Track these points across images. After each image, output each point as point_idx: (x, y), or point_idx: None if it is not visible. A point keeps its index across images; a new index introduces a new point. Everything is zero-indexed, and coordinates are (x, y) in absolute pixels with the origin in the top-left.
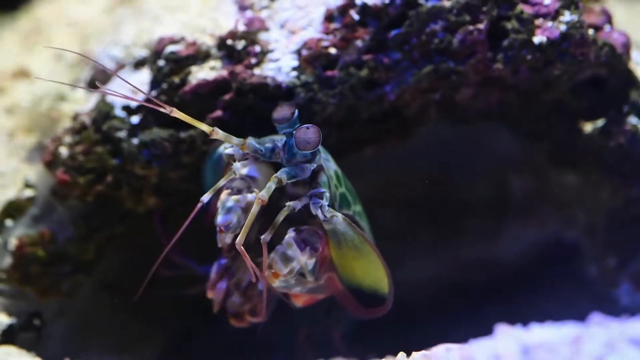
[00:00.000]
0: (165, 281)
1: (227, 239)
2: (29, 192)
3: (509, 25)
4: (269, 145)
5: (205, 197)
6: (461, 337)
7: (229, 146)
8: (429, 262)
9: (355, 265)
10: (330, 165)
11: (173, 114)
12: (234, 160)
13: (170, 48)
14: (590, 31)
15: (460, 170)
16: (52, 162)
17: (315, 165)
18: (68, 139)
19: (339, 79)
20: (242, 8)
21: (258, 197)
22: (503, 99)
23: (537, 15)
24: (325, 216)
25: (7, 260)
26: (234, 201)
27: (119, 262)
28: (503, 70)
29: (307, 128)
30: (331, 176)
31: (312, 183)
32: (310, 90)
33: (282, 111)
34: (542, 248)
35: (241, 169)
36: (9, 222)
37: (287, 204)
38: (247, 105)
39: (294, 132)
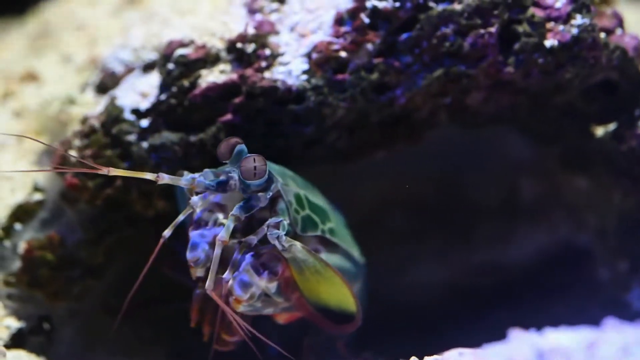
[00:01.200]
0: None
1: (199, 272)
2: (38, 196)
3: (520, 28)
4: (222, 178)
5: (167, 232)
6: (471, 342)
7: (187, 178)
8: (440, 265)
9: (320, 288)
10: (290, 189)
11: (111, 174)
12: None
13: (180, 51)
14: (602, 35)
15: (471, 173)
16: (61, 166)
17: (271, 193)
18: (77, 142)
19: (350, 83)
20: (252, 11)
21: (218, 238)
22: (514, 103)
23: (548, 19)
24: (283, 246)
25: (16, 264)
26: (200, 237)
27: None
28: (514, 74)
29: (252, 159)
30: (290, 201)
31: (271, 210)
32: (321, 94)
33: (224, 148)
34: (552, 252)
35: (199, 202)
36: (18, 226)
37: (242, 240)
38: (258, 108)
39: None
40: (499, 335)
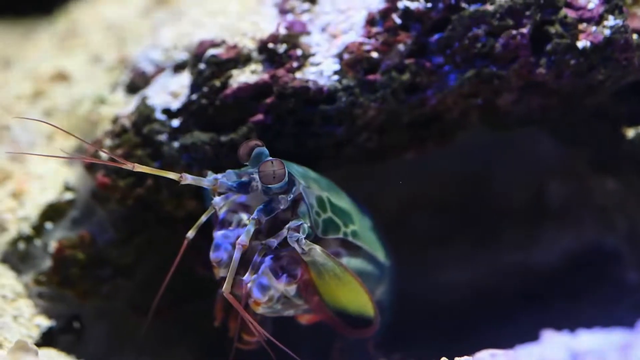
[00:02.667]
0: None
1: (222, 273)
2: (68, 195)
3: (553, 29)
4: (245, 179)
5: (191, 233)
6: (499, 344)
7: (210, 178)
8: (467, 267)
9: (338, 292)
10: (312, 192)
11: (136, 169)
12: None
13: (211, 51)
14: (635, 36)
15: (499, 174)
16: (92, 165)
17: (292, 196)
18: (108, 141)
19: (381, 83)
20: (283, 11)
21: (238, 242)
22: (545, 104)
23: (581, 20)
24: (303, 249)
25: (47, 263)
26: (223, 237)
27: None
28: (546, 75)
29: (270, 162)
30: (312, 204)
31: (293, 212)
32: (352, 94)
33: (243, 150)
34: (580, 254)
35: (222, 202)
36: (48, 225)
37: (263, 242)
38: (289, 108)
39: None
40: (527, 337)
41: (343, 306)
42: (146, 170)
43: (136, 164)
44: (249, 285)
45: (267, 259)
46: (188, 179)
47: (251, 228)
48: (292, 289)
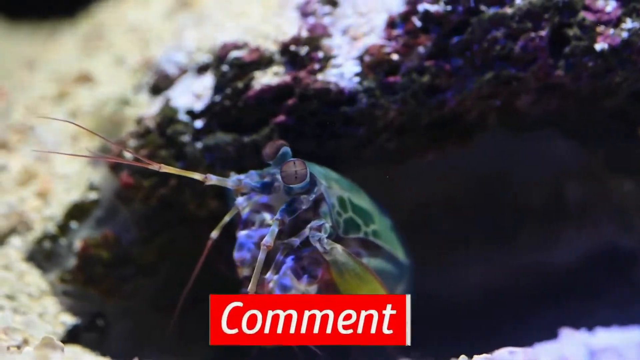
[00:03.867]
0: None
1: (245, 272)
2: (93, 195)
3: (571, 32)
4: (267, 180)
5: (214, 234)
6: (517, 341)
7: (234, 179)
8: (485, 266)
9: (359, 291)
10: (334, 192)
11: (162, 170)
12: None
13: (234, 53)
14: None
15: (516, 175)
16: (116, 165)
17: (314, 196)
18: (132, 142)
19: (401, 85)
20: (305, 14)
21: (263, 243)
22: (562, 106)
23: (598, 22)
24: (324, 249)
25: (72, 262)
26: (246, 237)
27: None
28: (564, 77)
29: (292, 163)
30: (333, 204)
31: (315, 212)
32: (373, 96)
33: (269, 149)
34: (597, 254)
35: (245, 203)
36: (73, 224)
37: (285, 241)
38: (310, 110)
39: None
40: (545, 335)
41: None
42: (172, 170)
43: (162, 165)
44: (270, 285)
45: (289, 260)
46: (213, 179)
47: (275, 229)
48: (313, 289)
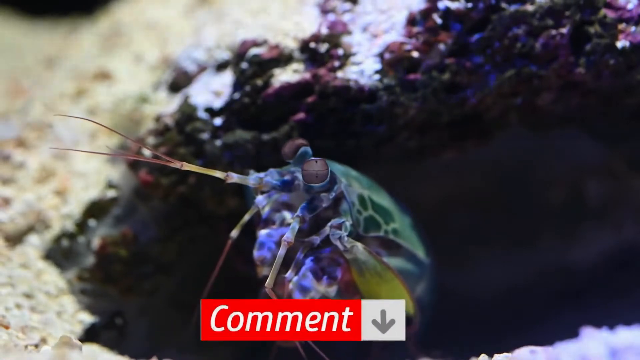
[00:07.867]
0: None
1: (265, 271)
2: (111, 193)
3: (592, 29)
4: (287, 178)
5: (234, 233)
6: (538, 340)
7: (254, 177)
8: (506, 265)
9: (379, 290)
10: (354, 190)
11: (184, 168)
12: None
13: (254, 51)
14: None
15: (538, 173)
16: (135, 163)
17: (334, 194)
18: (151, 140)
19: (421, 83)
20: (324, 11)
21: (284, 239)
22: (583, 104)
23: (620, 20)
24: (345, 247)
25: (90, 260)
26: (267, 236)
27: (197, 262)
28: (585, 75)
29: (314, 162)
30: (353, 202)
31: (335, 210)
32: (393, 94)
33: (288, 148)
34: (618, 253)
35: (265, 201)
36: (92, 222)
37: (305, 239)
38: (330, 107)
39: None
40: (566, 334)
41: None
42: (193, 168)
43: (184, 163)
44: (290, 286)
45: (308, 261)
46: (234, 177)
47: (296, 225)
48: (332, 290)
